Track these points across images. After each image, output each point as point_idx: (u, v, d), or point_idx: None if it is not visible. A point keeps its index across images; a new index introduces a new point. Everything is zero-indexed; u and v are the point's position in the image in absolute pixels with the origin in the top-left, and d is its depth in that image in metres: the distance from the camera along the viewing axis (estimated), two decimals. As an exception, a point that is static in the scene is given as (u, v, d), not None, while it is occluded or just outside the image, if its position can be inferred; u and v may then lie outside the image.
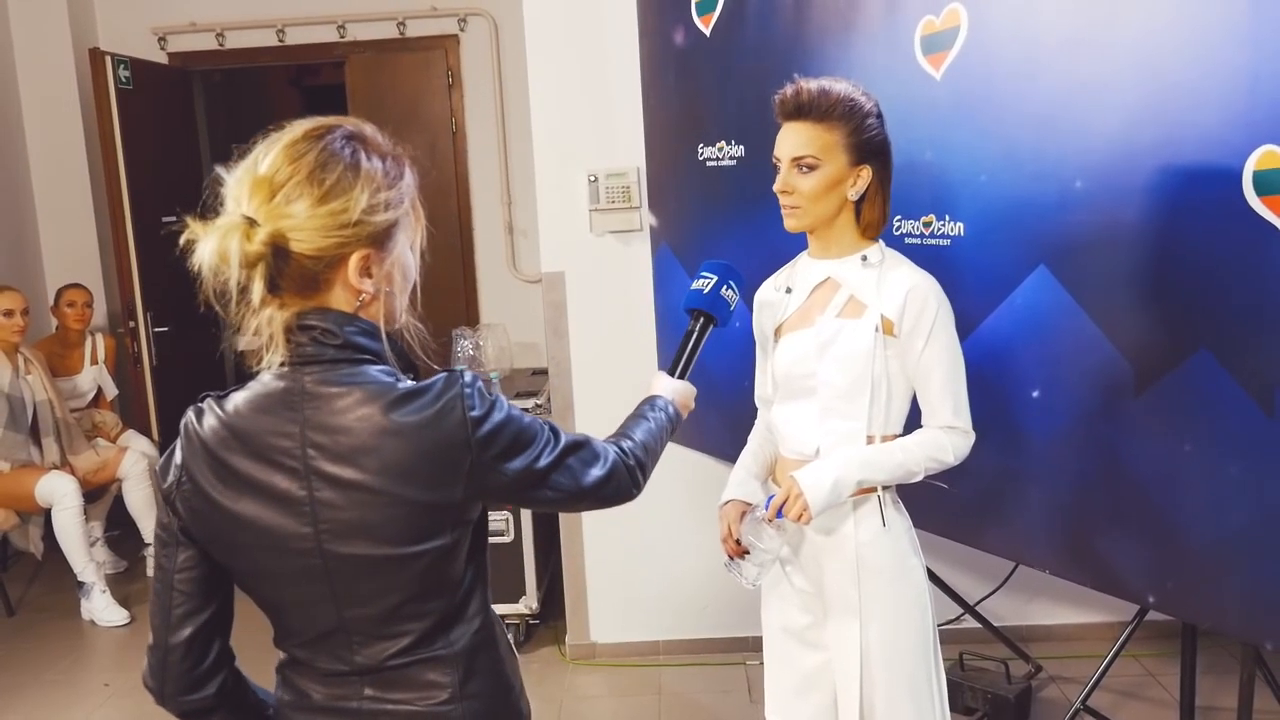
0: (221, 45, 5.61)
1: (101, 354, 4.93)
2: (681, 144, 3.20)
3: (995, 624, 3.50)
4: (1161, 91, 2.04)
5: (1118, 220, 2.12)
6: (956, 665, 3.27)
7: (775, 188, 1.97)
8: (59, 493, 4.26)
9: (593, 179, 3.50)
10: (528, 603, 3.81)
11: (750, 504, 2.06)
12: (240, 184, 1.25)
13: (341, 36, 5.58)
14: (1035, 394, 2.33)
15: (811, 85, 1.93)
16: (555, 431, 1.36)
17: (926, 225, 2.49)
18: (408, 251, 1.35)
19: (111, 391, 4.97)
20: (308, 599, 1.31)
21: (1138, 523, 2.18)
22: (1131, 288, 2.13)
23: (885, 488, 2.00)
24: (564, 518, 3.73)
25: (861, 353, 1.93)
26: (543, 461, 1.32)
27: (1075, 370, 2.25)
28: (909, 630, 1.98)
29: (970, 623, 3.51)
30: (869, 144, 1.94)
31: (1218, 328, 1.99)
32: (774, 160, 1.98)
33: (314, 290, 1.27)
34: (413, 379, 1.30)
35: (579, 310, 3.62)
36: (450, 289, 5.79)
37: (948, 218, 2.44)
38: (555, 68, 3.52)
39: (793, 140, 1.94)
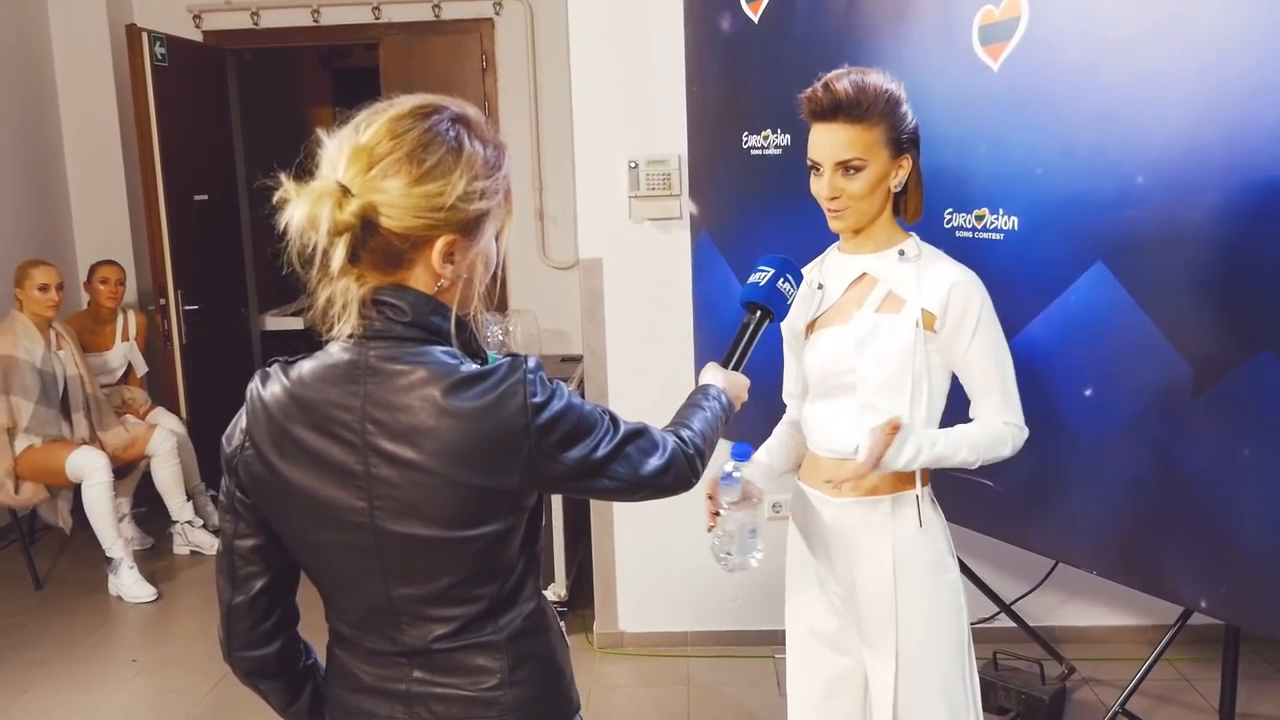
0: (256, 24, 5.60)
1: (133, 331, 4.93)
2: (725, 131, 3.17)
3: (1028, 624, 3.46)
4: (1227, 85, 2.00)
5: (1180, 217, 2.08)
6: (990, 664, 3.24)
7: (821, 193, 1.91)
8: (89, 468, 4.27)
9: (633, 165, 3.47)
10: (556, 590, 3.79)
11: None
12: (339, 150, 1.24)
13: (376, 18, 5.57)
14: (1088, 393, 2.29)
15: (844, 83, 1.85)
16: (615, 420, 1.34)
17: (979, 219, 2.45)
18: (493, 242, 1.33)
19: (142, 368, 4.98)
20: (357, 574, 1.30)
21: (1191, 526, 2.14)
22: (1192, 286, 2.09)
23: (923, 484, 1.98)
24: (594, 505, 3.71)
25: (901, 348, 1.90)
26: (601, 451, 1.30)
27: (1130, 369, 2.21)
28: (945, 631, 1.95)
29: (1002, 621, 3.48)
30: (906, 133, 1.90)
31: (1282, 329, 1.95)
32: (810, 163, 1.92)
33: (395, 267, 1.26)
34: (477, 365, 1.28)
35: (616, 298, 3.60)
36: (479, 274, 5.77)
37: (1001, 211, 2.40)
38: (598, 52, 3.49)
39: (834, 143, 1.87)
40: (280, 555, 1.35)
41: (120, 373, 4.89)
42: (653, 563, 3.73)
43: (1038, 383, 2.38)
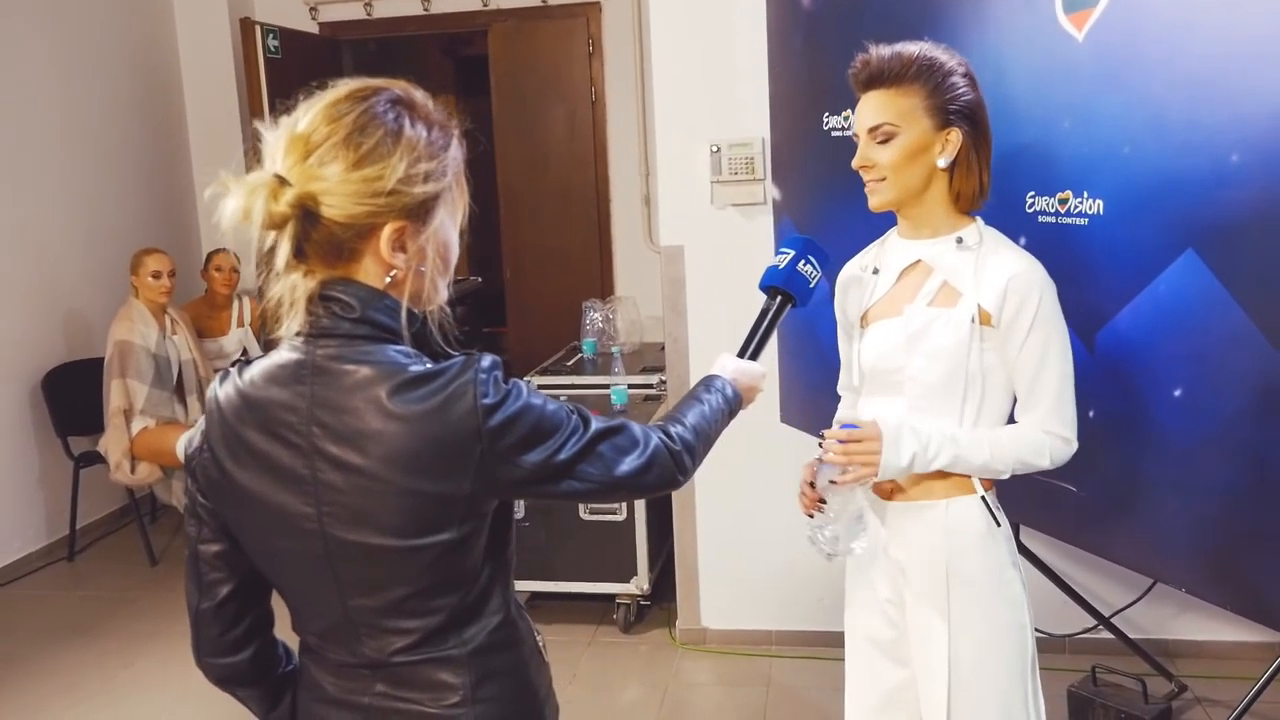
0: (369, 14, 5.69)
1: (248, 317, 5.09)
2: (806, 113, 3.03)
3: (1135, 636, 3.22)
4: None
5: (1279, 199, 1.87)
6: (1089, 679, 3.03)
7: (853, 164, 1.81)
8: (198, 449, 4.41)
9: (715, 150, 3.36)
10: (639, 583, 3.73)
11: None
12: (277, 141, 1.19)
13: (485, 5, 5.60)
14: (1177, 393, 2.08)
15: (884, 50, 1.78)
16: (585, 418, 1.26)
17: (1062, 202, 2.26)
18: (449, 229, 1.26)
19: (256, 354, 5.08)
20: (312, 584, 1.25)
21: (1290, 543, 1.92)
22: (1293, 277, 1.87)
23: (986, 489, 1.82)
24: (677, 498, 3.63)
25: (954, 346, 1.75)
26: (565, 453, 1.21)
27: (1225, 368, 2.00)
28: (1003, 650, 1.80)
29: (1107, 632, 3.25)
30: (954, 104, 1.75)
31: (1394, 325, 1.73)
32: (853, 136, 1.82)
33: (341, 260, 1.20)
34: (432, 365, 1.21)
35: (698, 286, 3.50)
36: (586, 260, 5.76)
37: (1086, 194, 2.21)
38: (679, 35, 3.40)
39: (867, 110, 1.79)
40: (246, 561, 1.31)
41: (236, 357, 5.04)
42: (737, 558, 3.63)
43: (1123, 381, 2.19)
